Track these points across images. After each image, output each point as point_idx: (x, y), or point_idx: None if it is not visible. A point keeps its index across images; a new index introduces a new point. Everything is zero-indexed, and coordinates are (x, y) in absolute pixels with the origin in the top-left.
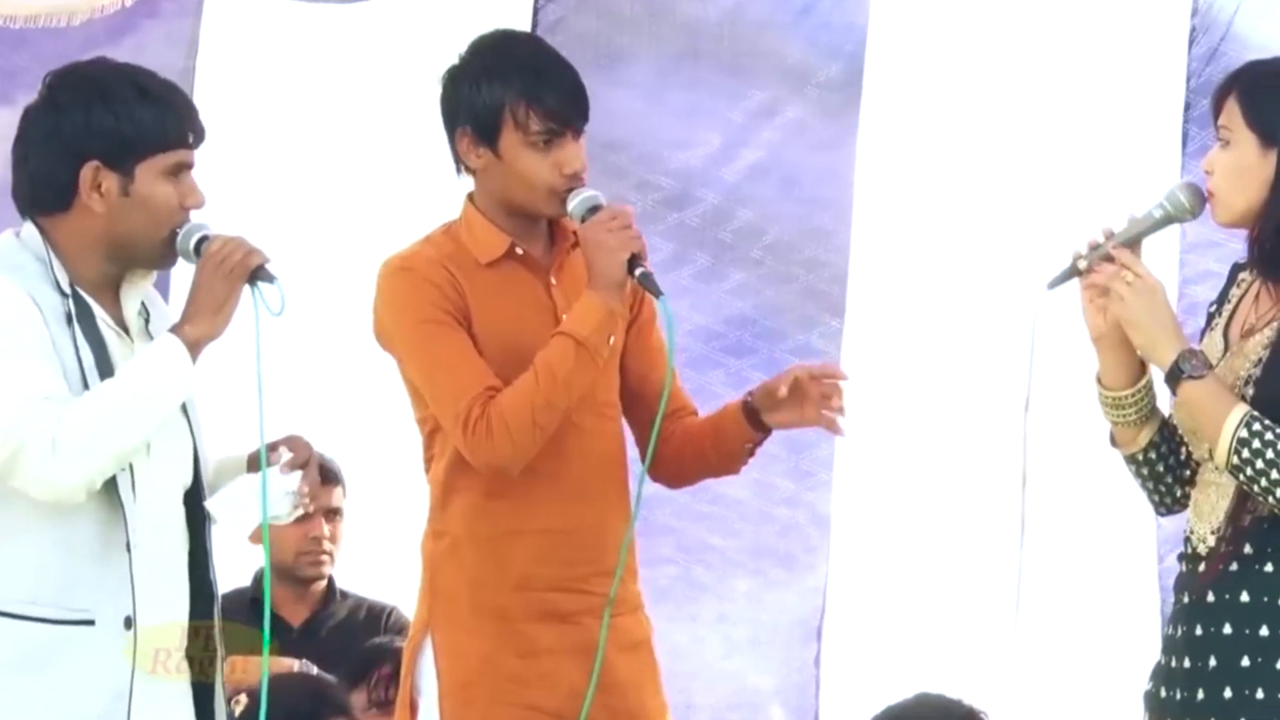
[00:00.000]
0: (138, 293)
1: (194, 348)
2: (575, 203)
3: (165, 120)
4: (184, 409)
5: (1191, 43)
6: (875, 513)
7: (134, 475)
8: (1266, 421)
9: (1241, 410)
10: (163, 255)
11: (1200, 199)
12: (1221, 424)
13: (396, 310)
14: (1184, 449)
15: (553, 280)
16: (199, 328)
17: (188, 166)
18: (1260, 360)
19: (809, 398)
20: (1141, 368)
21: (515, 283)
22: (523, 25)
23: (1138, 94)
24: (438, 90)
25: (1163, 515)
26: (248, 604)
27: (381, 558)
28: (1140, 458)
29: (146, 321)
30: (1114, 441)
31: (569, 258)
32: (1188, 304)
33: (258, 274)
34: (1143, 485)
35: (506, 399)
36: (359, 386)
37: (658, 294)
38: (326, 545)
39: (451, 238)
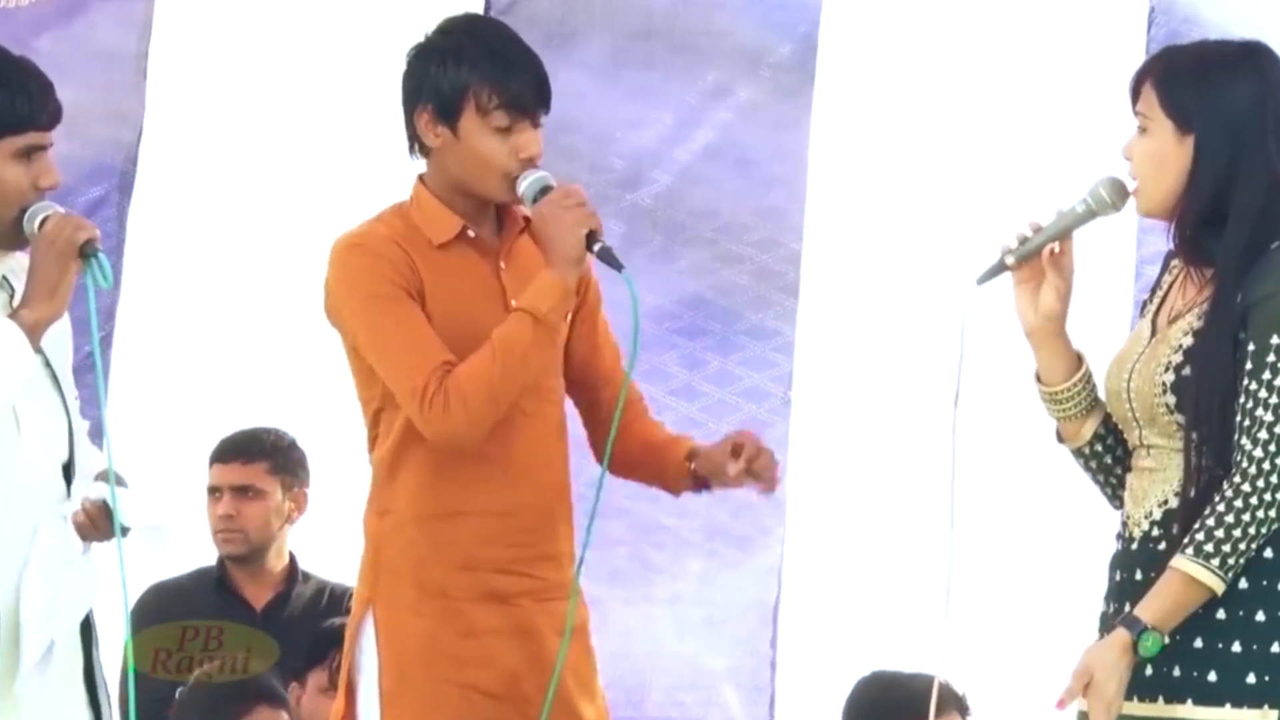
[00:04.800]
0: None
1: (32, 331)
2: (526, 184)
3: (14, 102)
4: (56, 383)
5: (1150, 24)
6: (831, 493)
7: None
8: (1206, 550)
9: (1183, 571)
10: (15, 236)
11: (1122, 193)
12: (1193, 595)
13: (349, 286)
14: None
15: (502, 264)
16: (36, 310)
17: (41, 147)
18: (1181, 347)
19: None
20: (1078, 361)
21: (466, 265)
22: (476, 6)
23: (1096, 76)
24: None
25: (1117, 508)
26: (213, 583)
27: (343, 539)
28: (1087, 450)
29: (11, 296)
30: (1060, 437)
31: (518, 242)
32: (1145, 283)
33: (86, 249)
34: (1093, 479)
35: (464, 373)
36: (317, 367)
37: (619, 268)
38: (233, 524)
39: (402, 217)
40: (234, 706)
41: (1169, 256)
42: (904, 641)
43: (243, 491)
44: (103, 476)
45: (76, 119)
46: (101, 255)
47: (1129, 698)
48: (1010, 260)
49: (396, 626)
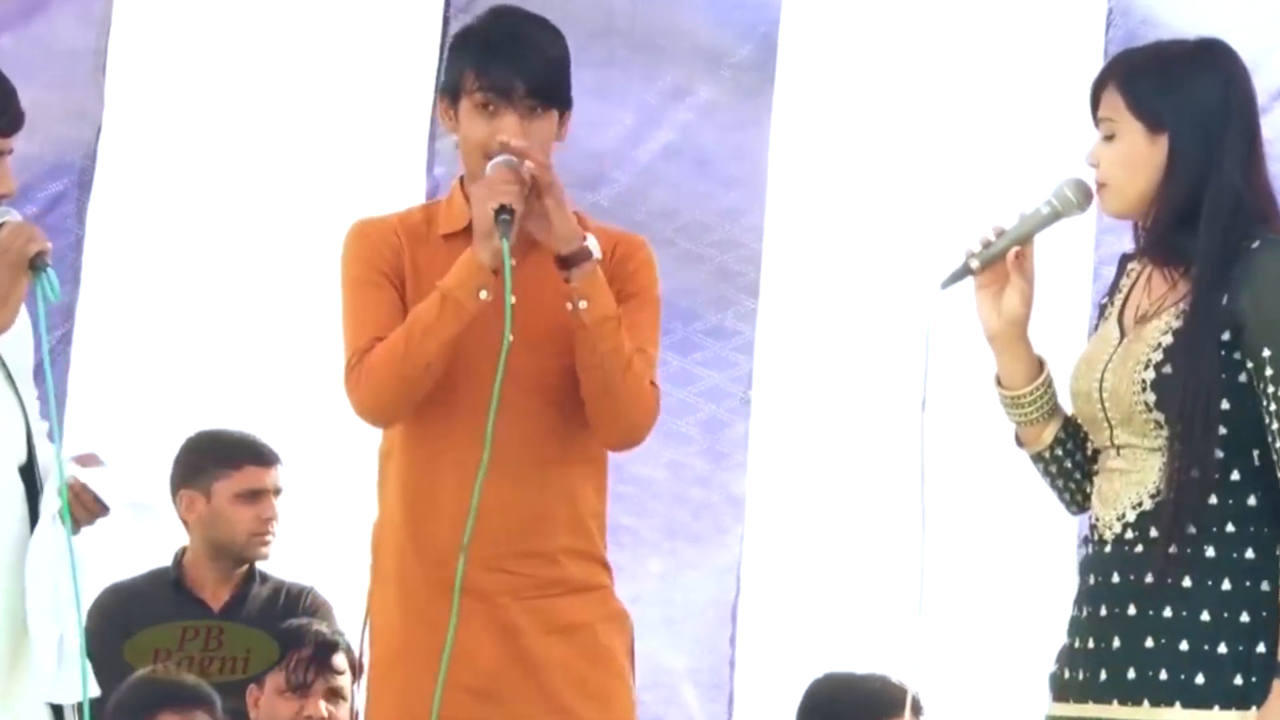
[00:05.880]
0: None
1: None
2: (488, 166)
3: None
4: (13, 386)
5: (1109, 26)
6: (790, 493)
7: None
8: None
9: None
10: None
11: (1087, 193)
12: None
13: (342, 267)
14: (1089, 444)
15: (513, 261)
16: None
17: None
18: (1161, 345)
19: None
20: (1039, 365)
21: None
22: (435, 7)
23: (1055, 77)
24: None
25: (1075, 514)
26: (170, 584)
27: (302, 539)
28: (1047, 455)
29: None
30: (1019, 442)
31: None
32: (1103, 285)
33: (37, 261)
34: (1051, 485)
35: (378, 349)
36: (279, 362)
37: (502, 238)
38: (273, 527)
39: (426, 210)
40: (143, 710)
41: (1125, 258)
42: (862, 640)
43: (277, 494)
44: (82, 460)
45: (36, 116)
46: (51, 270)
47: (1084, 700)
48: (975, 264)
49: (383, 623)
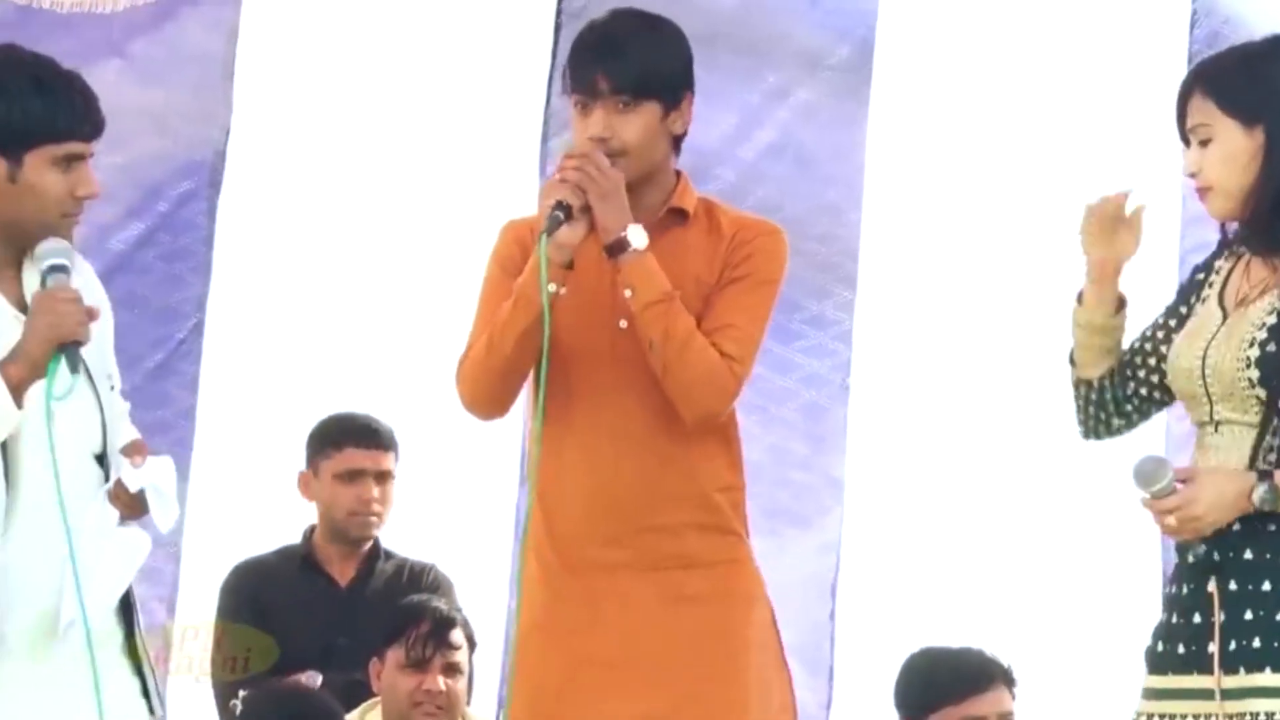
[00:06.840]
0: (39, 269)
1: (16, 391)
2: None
3: (57, 112)
4: (90, 379)
5: (1193, 25)
6: (887, 475)
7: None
8: None
9: None
10: (56, 234)
11: (1163, 461)
12: None
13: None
14: (1132, 385)
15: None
16: (21, 370)
17: (80, 157)
18: (1265, 324)
19: None
20: (1122, 299)
21: (588, 255)
22: (548, 11)
23: (1140, 76)
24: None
25: (1087, 439)
26: (299, 560)
27: (423, 518)
28: (1095, 383)
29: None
30: (1073, 361)
31: (665, 236)
32: (1188, 274)
33: (68, 345)
34: (1081, 409)
35: (475, 346)
36: (406, 353)
37: (544, 231)
38: (375, 507)
39: None
40: None
41: (1222, 245)
42: (957, 615)
43: (382, 477)
44: (126, 451)
45: (168, 118)
46: (70, 354)
47: (1188, 671)
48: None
49: (526, 597)
